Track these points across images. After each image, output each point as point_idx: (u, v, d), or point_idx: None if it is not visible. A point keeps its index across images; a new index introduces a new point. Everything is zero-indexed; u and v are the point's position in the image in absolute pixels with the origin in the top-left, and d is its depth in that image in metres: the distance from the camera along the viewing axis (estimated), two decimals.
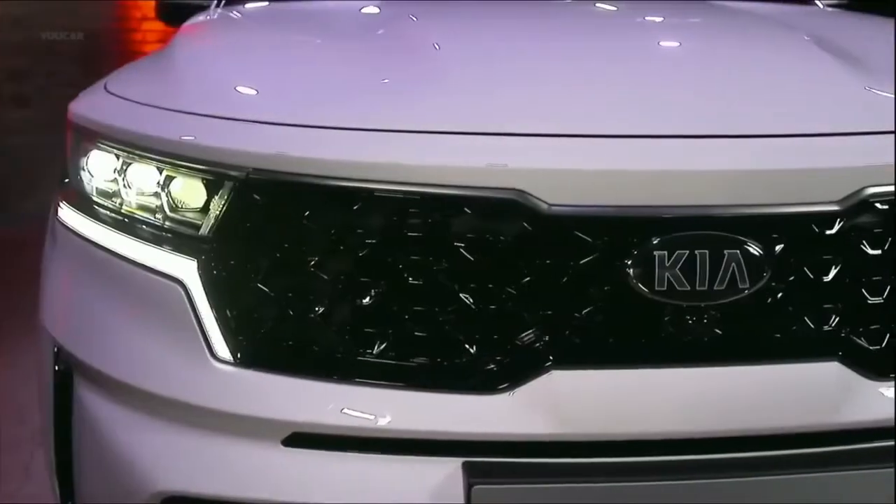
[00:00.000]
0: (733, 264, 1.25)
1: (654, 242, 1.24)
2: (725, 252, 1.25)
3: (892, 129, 1.35)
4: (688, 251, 1.25)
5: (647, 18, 1.92)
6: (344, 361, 1.31)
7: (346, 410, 1.29)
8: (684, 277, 1.25)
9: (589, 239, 1.26)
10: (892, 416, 1.32)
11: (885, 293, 1.34)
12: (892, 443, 1.32)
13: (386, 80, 1.45)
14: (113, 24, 5.58)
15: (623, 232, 1.25)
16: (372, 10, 1.93)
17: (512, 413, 1.26)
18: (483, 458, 1.27)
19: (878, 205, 1.31)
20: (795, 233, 1.29)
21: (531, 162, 1.25)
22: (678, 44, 1.72)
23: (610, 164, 1.25)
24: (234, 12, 2.14)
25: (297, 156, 1.28)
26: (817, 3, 2.51)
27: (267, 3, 2.27)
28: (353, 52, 1.61)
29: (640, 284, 1.25)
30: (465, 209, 1.27)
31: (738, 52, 1.66)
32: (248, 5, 2.20)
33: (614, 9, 2.14)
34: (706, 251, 1.25)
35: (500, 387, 1.27)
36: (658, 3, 2.10)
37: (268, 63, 1.61)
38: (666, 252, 1.25)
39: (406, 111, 1.34)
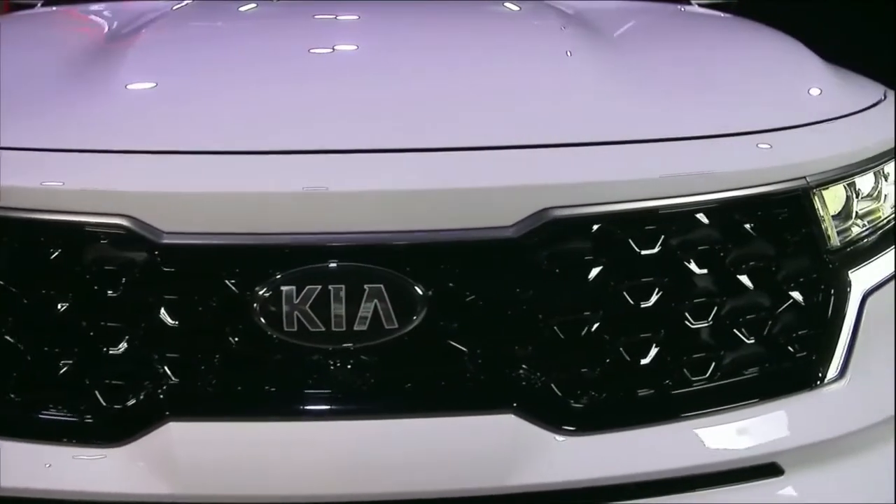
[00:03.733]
0: (376, 301, 1.08)
1: (280, 276, 1.07)
2: (366, 287, 1.08)
3: (595, 140, 1.16)
4: (320, 286, 1.07)
5: (378, 20, 1.71)
6: None
7: None
8: (317, 317, 1.07)
9: (210, 272, 1.09)
10: (584, 477, 1.13)
11: (584, 332, 1.15)
12: None
13: (48, 95, 1.28)
14: None
15: (247, 264, 1.08)
16: (147, 17, 1.77)
17: (126, 470, 1.10)
18: None
19: (566, 228, 1.12)
20: (460, 263, 1.10)
21: (138, 184, 1.08)
22: (381, 48, 1.51)
23: (228, 186, 1.08)
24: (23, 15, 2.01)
25: None
26: (692, 3, 2.27)
27: (82, 4, 2.13)
28: (65, 64, 1.44)
29: (266, 325, 1.08)
30: (81, 239, 1.11)
31: (449, 55, 1.45)
32: (44, 9, 2.08)
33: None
34: (342, 286, 1.07)
35: (116, 440, 1.10)
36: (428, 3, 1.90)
37: None
38: (294, 287, 1.07)
39: (21, 128, 1.18)
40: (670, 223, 1.17)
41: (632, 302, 1.16)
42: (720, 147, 1.20)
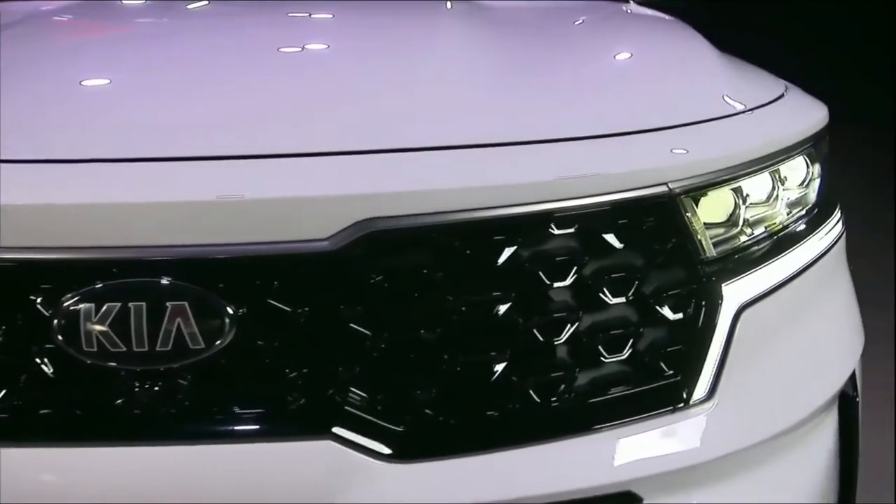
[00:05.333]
0: (179, 320, 1.01)
1: (79, 294, 1.00)
2: (168, 304, 1.00)
3: (425, 145, 1.08)
4: (119, 303, 1.00)
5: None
6: None
7: None
8: (117, 336, 1.00)
9: (13, 289, 1.01)
10: None
11: (416, 351, 1.06)
12: None
13: None
14: None
15: (50, 280, 1.01)
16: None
17: None
18: None
19: (391, 240, 1.04)
20: (275, 278, 1.02)
21: None
22: (227, 54, 1.40)
23: (19, 198, 0.99)
24: None
25: None
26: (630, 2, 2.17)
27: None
28: None
29: (64, 344, 1.01)
30: None
31: (307, 58, 1.38)
32: None
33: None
34: (142, 303, 1.00)
35: None
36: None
37: None
38: (93, 305, 1.00)
39: None
40: (515, 233, 1.09)
41: (472, 318, 1.08)
42: (569, 152, 1.11)
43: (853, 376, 1.37)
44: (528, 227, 1.09)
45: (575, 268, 1.11)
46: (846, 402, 1.36)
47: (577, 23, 1.74)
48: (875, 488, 2.57)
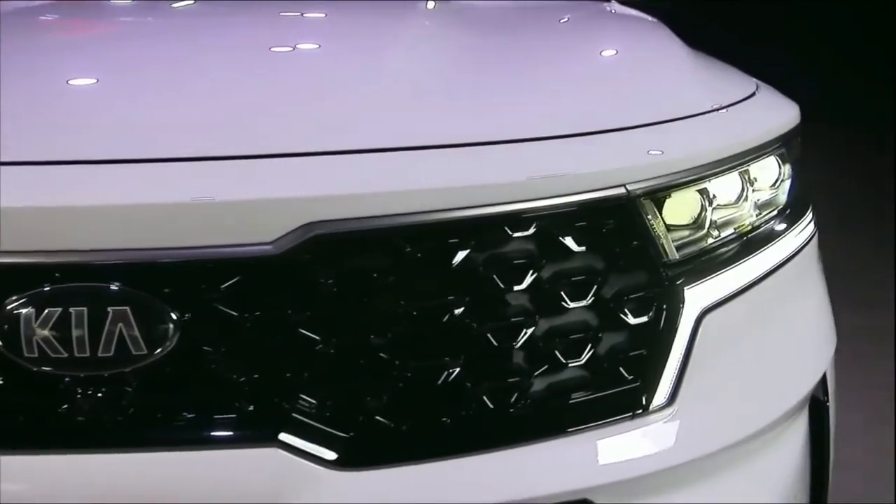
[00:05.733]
0: (121, 325, 0.99)
1: (18, 298, 0.98)
2: (110, 309, 0.98)
3: (370, 147, 1.05)
4: (60, 308, 0.98)
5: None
6: None
7: None
8: (58, 341, 0.98)
9: None
10: None
11: (366, 356, 1.04)
12: None
13: None
14: None
15: None
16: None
17: None
18: None
19: (338, 244, 1.01)
20: (220, 283, 1.00)
21: None
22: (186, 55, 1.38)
23: None
24: None
25: None
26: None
27: None
28: None
29: (4, 349, 0.99)
30: None
31: (269, 58, 1.35)
32: None
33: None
34: (84, 308, 0.98)
35: None
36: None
37: None
38: (33, 310, 0.98)
39: None
40: (469, 236, 1.06)
41: (424, 322, 1.06)
42: (527, 152, 1.09)
43: (824, 380, 1.35)
44: (483, 230, 1.07)
45: (531, 271, 1.09)
46: (816, 406, 1.33)
47: (550, 23, 1.72)
48: (875, 488, 2.54)
